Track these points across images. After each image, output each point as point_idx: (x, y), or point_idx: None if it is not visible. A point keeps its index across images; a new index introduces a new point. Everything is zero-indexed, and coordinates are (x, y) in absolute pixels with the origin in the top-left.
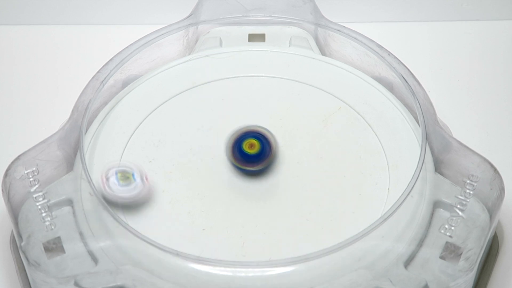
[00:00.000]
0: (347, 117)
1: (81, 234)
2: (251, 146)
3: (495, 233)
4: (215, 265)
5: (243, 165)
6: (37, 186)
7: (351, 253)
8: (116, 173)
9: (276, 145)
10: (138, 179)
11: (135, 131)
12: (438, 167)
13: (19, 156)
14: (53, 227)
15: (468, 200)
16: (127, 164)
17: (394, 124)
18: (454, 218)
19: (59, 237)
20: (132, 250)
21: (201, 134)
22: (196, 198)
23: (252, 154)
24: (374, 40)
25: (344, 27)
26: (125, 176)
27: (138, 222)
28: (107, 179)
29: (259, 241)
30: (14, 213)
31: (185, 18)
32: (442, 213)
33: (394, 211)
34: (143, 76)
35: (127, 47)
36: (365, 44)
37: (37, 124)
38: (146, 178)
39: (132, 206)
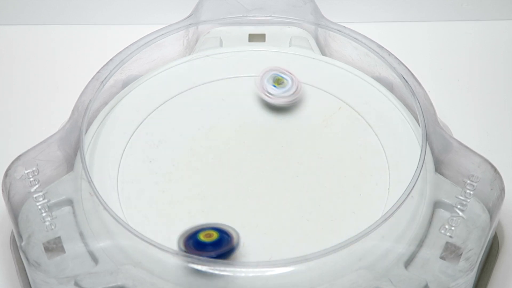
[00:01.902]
0: (347, 117)
1: (81, 234)
2: (208, 236)
3: (496, 233)
4: (215, 265)
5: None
6: (37, 186)
7: (352, 253)
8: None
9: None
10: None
11: (135, 131)
12: (439, 167)
13: (19, 156)
14: (53, 227)
15: (469, 201)
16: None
17: (394, 124)
18: (455, 218)
19: (59, 237)
20: (132, 250)
21: (201, 134)
22: (196, 198)
23: (209, 242)
24: (374, 40)
25: (345, 27)
26: (279, 80)
27: (138, 222)
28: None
29: (259, 241)
30: (14, 213)
31: (185, 18)
32: (442, 213)
33: (394, 211)
34: (143, 76)
35: (127, 47)
36: (365, 44)
37: (37, 124)
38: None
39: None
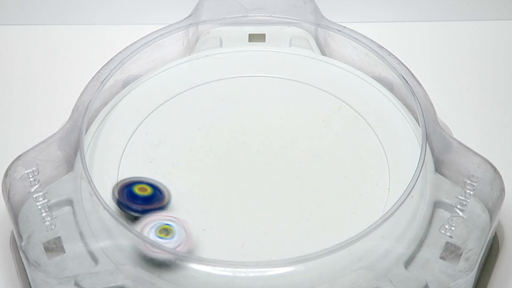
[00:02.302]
0: (347, 117)
1: (81, 234)
2: (142, 190)
3: (496, 233)
4: (215, 265)
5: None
6: (37, 186)
7: (351, 253)
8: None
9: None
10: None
11: (135, 131)
12: (439, 167)
13: (19, 156)
14: (53, 227)
15: (469, 201)
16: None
17: (394, 124)
18: (455, 219)
19: (59, 237)
20: (132, 250)
21: (201, 134)
22: (196, 198)
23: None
24: (374, 40)
25: (345, 27)
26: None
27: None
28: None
29: (259, 241)
30: (14, 213)
31: (185, 18)
32: (442, 213)
33: (394, 211)
34: (143, 76)
35: (127, 47)
36: (365, 44)
37: (37, 124)
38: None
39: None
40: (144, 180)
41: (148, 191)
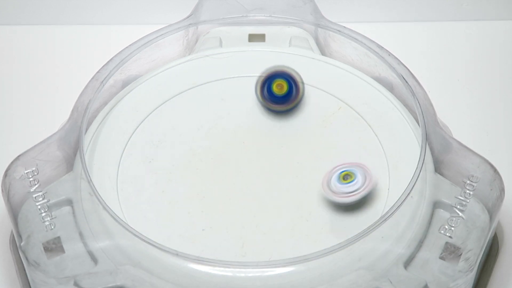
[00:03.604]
0: (347, 117)
1: (80, 234)
2: (280, 87)
3: (495, 233)
4: (215, 265)
5: (273, 106)
6: (37, 186)
7: (351, 254)
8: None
9: (303, 86)
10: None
11: (135, 131)
12: (438, 167)
13: (19, 156)
14: (52, 227)
15: (468, 201)
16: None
17: (394, 124)
18: (454, 219)
19: (58, 237)
20: (132, 250)
21: (201, 134)
22: (196, 198)
23: (281, 95)
24: (374, 40)
25: (344, 27)
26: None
27: (138, 222)
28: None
29: (259, 241)
30: (14, 213)
31: (185, 18)
32: (442, 213)
33: (394, 212)
34: (143, 76)
35: (127, 47)
36: (365, 44)
37: (37, 124)
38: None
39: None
40: (275, 71)
41: (284, 88)
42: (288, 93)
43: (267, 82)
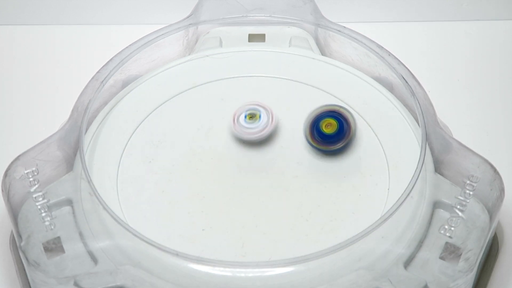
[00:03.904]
0: None
1: (80, 234)
2: (329, 125)
3: (495, 233)
4: (215, 265)
5: (322, 146)
6: (37, 186)
7: (351, 254)
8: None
9: (355, 123)
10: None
11: (135, 131)
12: (438, 167)
13: (19, 156)
14: (52, 227)
15: (468, 201)
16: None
17: (394, 124)
18: (454, 219)
19: (58, 237)
20: (132, 250)
21: (201, 134)
22: (196, 198)
23: (330, 134)
24: (374, 40)
25: (344, 27)
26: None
27: (138, 222)
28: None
29: (259, 241)
30: (14, 213)
31: (185, 18)
32: (442, 213)
33: (394, 212)
34: (143, 76)
35: (127, 47)
36: (365, 44)
37: (37, 124)
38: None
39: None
40: (325, 110)
41: (334, 126)
42: (339, 131)
43: (315, 124)
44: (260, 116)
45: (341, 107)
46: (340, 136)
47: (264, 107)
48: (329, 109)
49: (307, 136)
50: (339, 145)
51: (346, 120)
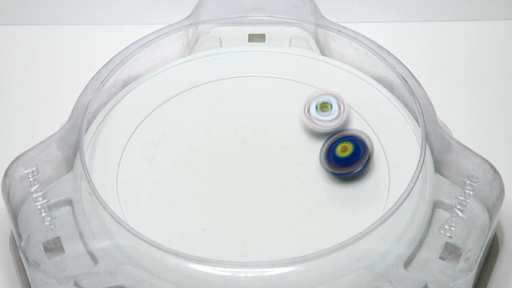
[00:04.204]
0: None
1: (80, 234)
2: (344, 149)
3: (495, 233)
4: (215, 265)
5: (339, 170)
6: (37, 186)
7: (351, 254)
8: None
9: (371, 144)
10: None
11: (135, 131)
12: (438, 167)
13: (19, 156)
14: (52, 227)
15: (468, 201)
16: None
17: (394, 124)
18: (454, 219)
19: (58, 237)
20: (132, 250)
21: (201, 134)
22: (196, 198)
23: (346, 157)
24: (374, 40)
25: (344, 27)
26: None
27: (138, 222)
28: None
29: (259, 241)
30: (14, 213)
31: (185, 18)
32: (442, 213)
33: (394, 212)
34: (143, 76)
35: (127, 47)
36: (365, 44)
37: (37, 124)
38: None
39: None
40: (341, 135)
41: (350, 149)
42: (355, 153)
43: (330, 149)
44: (331, 106)
45: (358, 130)
46: (357, 158)
47: (333, 95)
48: (344, 134)
49: (323, 162)
50: (357, 167)
51: (362, 142)
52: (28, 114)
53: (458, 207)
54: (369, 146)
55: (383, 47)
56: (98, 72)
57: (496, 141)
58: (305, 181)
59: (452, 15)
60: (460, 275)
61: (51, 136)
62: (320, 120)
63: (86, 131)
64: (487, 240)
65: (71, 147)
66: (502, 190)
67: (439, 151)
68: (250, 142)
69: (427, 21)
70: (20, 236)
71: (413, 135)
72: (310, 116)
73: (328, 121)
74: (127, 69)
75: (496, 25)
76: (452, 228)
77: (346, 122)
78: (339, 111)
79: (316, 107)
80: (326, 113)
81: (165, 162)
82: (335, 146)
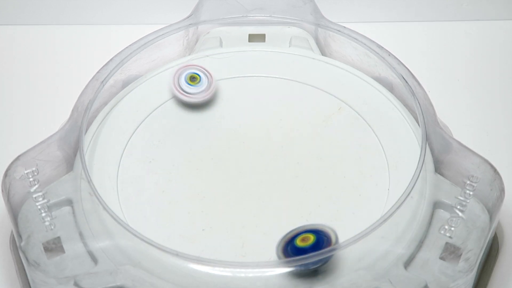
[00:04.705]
0: (347, 117)
1: (80, 234)
2: (305, 239)
3: (495, 233)
4: (215, 265)
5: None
6: (37, 186)
7: (351, 254)
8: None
9: (336, 237)
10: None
11: (135, 131)
12: (438, 167)
13: (19, 156)
14: (52, 227)
15: (468, 201)
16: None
17: (394, 124)
18: (454, 219)
19: (58, 237)
20: (132, 250)
21: (201, 134)
22: (196, 198)
23: (304, 247)
24: (374, 40)
25: (344, 27)
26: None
27: (138, 222)
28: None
29: (259, 241)
30: (14, 213)
31: (185, 18)
32: (442, 213)
33: (394, 212)
34: (143, 76)
35: (127, 47)
36: (365, 44)
37: (37, 124)
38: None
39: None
40: (301, 229)
41: (311, 239)
42: (317, 243)
43: (290, 240)
44: (200, 78)
45: (324, 225)
46: (317, 249)
47: (199, 68)
48: (309, 228)
49: (279, 253)
50: (314, 259)
51: (326, 234)
52: (28, 114)
53: (458, 207)
54: (332, 238)
55: (383, 47)
56: (98, 72)
57: (496, 141)
58: (305, 181)
59: (452, 15)
60: (460, 275)
61: (51, 136)
62: (189, 92)
63: (86, 131)
64: (487, 240)
65: (71, 147)
66: (502, 190)
67: (439, 151)
68: (250, 142)
69: (427, 21)
70: (20, 236)
71: (413, 135)
72: (181, 88)
73: (198, 93)
74: (127, 69)
75: (496, 25)
76: (452, 228)
77: (215, 94)
78: (207, 83)
79: (186, 79)
80: (196, 85)
81: (165, 162)
82: (296, 237)
